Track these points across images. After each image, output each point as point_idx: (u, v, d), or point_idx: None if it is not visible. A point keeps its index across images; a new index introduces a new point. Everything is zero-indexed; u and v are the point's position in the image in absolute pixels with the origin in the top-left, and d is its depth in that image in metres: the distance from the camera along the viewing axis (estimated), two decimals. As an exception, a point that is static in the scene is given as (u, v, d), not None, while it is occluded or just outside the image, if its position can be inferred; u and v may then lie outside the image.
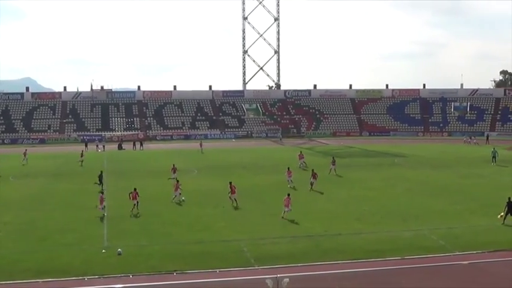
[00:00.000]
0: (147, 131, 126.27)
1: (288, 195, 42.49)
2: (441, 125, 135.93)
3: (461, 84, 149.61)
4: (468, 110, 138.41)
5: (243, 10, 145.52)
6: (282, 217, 41.11)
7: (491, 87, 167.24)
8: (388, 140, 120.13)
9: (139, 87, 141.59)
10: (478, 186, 55.59)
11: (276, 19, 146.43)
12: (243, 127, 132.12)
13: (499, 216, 39.75)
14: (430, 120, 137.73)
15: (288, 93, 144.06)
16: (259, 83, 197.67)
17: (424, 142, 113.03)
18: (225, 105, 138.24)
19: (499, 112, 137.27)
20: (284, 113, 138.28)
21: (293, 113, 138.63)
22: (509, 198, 39.63)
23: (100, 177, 55.85)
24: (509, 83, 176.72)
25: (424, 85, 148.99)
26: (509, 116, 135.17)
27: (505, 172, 66.19)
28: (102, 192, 43.69)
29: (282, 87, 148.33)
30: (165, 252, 32.67)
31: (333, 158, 67.57)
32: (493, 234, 36.71)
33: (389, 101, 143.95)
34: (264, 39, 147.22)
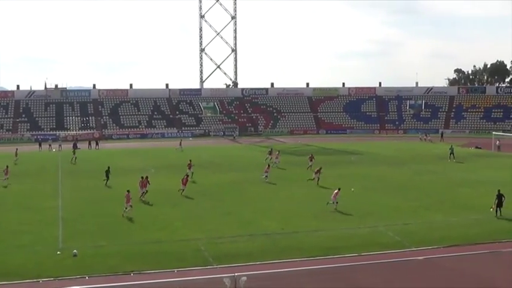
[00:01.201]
0: (103, 130, 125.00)
1: (339, 189, 43.97)
2: (397, 122, 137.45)
3: (417, 83, 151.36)
4: (423, 107, 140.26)
5: (200, 8, 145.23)
6: (335, 208, 42.76)
7: (446, 86, 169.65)
8: (344, 138, 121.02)
9: (94, 85, 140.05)
10: (433, 183, 56.30)
11: (233, 17, 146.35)
12: (200, 126, 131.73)
13: (490, 209, 40.98)
14: (386, 118, 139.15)
15: (246, 92, 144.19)
16: (217, 82, 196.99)
17: (380, 140, 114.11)
18: (182, 104, 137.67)
19: (453, 110, 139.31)
20: (241, 112, 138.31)
21: (250, 112, 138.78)
22: (499, 190, 40.84)
23: (107, 173, 56.47)
24: (463, 81, 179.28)
25: (380, 83, 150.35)
26: (463, 113, 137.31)
27: (459, 168, 67.19)
28: (128, 191, 42.87)
29: (239, 86, 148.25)
30: (122, 253, 32.34)
31: (311, 154, 68.48)
32: (448, 230, 37.25)
33: (346, 99, 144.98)
34: (221, 38, 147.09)
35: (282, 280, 28.14)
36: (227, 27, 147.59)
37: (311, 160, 66.08)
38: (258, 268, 29.39)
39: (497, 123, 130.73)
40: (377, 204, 45.24)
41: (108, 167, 57.72)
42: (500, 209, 40.58)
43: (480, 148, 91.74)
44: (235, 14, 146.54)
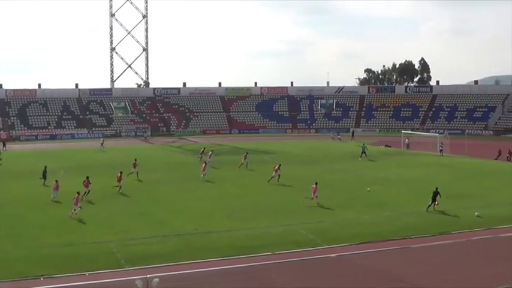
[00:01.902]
0: (11, 131, 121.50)
1: (316, 183, 45.56)
2: (309, 122, 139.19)
3: (328, 82, 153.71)
4: (334, 107, 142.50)
5: (111, 7, 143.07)
6: (317, 203, 44.58)
7: (356, 85, 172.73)
8: (257, 137, 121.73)
9: (1, 85, 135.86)
10: (345, 181, 57.20)
11: (145, 16, 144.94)
12: (111, 126, 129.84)
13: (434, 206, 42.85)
14: (298, 117, 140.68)
15: (157, 91, 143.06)
16: (128, 81, 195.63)
17: (293, 139, 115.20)
18: (92, 104, 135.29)
19: (364, 109, 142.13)
20: (153, 112, 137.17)
21: (162, 111, 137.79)
22: (436, 188, 43.17)
23: (44, 173, 55.57)
24: (373, 80, 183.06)
25: (291, 83, 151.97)
26: (373, 112, 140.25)
27: (370, 166, 68.54)
28: (78, 193, 42.32)
29: (151, 85, 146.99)
30: (31, 257, 31.39)
31: (246, 153, 69.66)
32: (359, 227, 37.92)
33: (258, 98, 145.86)
34: (132, 37, 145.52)
35: (195, 280, 27.97)
36: (138, 26, 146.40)
37: (245, 158, 67.21)
38: (171, 269, 29.12)
39: (406, 122, 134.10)
40: (290, 203, 45.57)
41: (45, 167, 56.72)
42: (433, 205, 42.51)
43: (390, 146, 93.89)
44: (147, 13, 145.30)
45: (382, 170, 65.65)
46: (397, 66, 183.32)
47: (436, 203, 42.62)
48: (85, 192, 46.98)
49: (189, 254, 31.82)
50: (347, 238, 35.05)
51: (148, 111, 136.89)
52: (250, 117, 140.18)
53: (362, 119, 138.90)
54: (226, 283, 27.70)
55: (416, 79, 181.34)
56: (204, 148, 78.76)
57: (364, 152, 77.25)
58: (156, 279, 23.40)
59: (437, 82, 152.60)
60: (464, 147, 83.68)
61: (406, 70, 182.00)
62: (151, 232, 36.69)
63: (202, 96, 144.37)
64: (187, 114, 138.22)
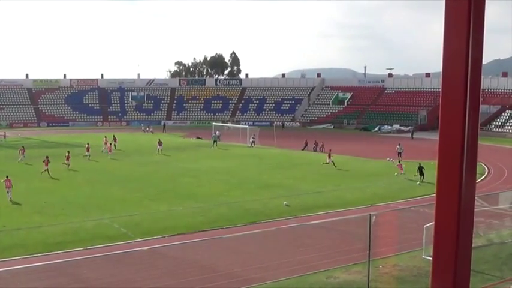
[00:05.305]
0: None
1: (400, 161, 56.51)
2: (120, 114, 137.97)
3: (139, 74, 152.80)
4: (145, 99, 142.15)
5: None
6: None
7: (167, 78, 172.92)
8: (67, 130, 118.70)
9: None
10: (156, 174, 57.37)
11: None
12: None
13: (414, 176, 51.71)
14: (108, 109, 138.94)
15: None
16: None
17: (104, 131, 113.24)
18: None
19: (175, 101, 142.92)
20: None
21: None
22: (420, 163, 51.44)
23: None
24: (184, 73, 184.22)
25: (102, 75, 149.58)
26: (184, 105, 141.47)
27: (181, 158, 69.11)
28: (7, 176, 44.25)
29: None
30: None
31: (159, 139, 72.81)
32: (172, 219, 38.27)
33: (68, 90, 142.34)
34: None
35: (3, 280, 26.89)
36: None
37: (160, 145, 74.27)
38: (-24, 270, 27.88)
39: (217, 114, 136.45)
40: (101, 197, 45.09)
41: None
42: (422, 178, 50.35)
43: (201, 138, 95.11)
44: None
45: (193, 161, 66.46)
46: (208, 59, 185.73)
47: (416, 174, 50.83)
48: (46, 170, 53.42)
49: (-4, 253, 30.64)
50: (160, 230, 35.27)
51: None
52: (60, 109, 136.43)
53: (173, 111, 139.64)
54: (36, 281, 26.96)
55: (226, 72, 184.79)
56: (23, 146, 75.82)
57: (216, 142, 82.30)
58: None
59: (247, 75, 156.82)
60: (273, 139, 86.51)
61: (216, 63, 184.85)
62: (-47, 231, 34.90)
63: (8, 88, 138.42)
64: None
